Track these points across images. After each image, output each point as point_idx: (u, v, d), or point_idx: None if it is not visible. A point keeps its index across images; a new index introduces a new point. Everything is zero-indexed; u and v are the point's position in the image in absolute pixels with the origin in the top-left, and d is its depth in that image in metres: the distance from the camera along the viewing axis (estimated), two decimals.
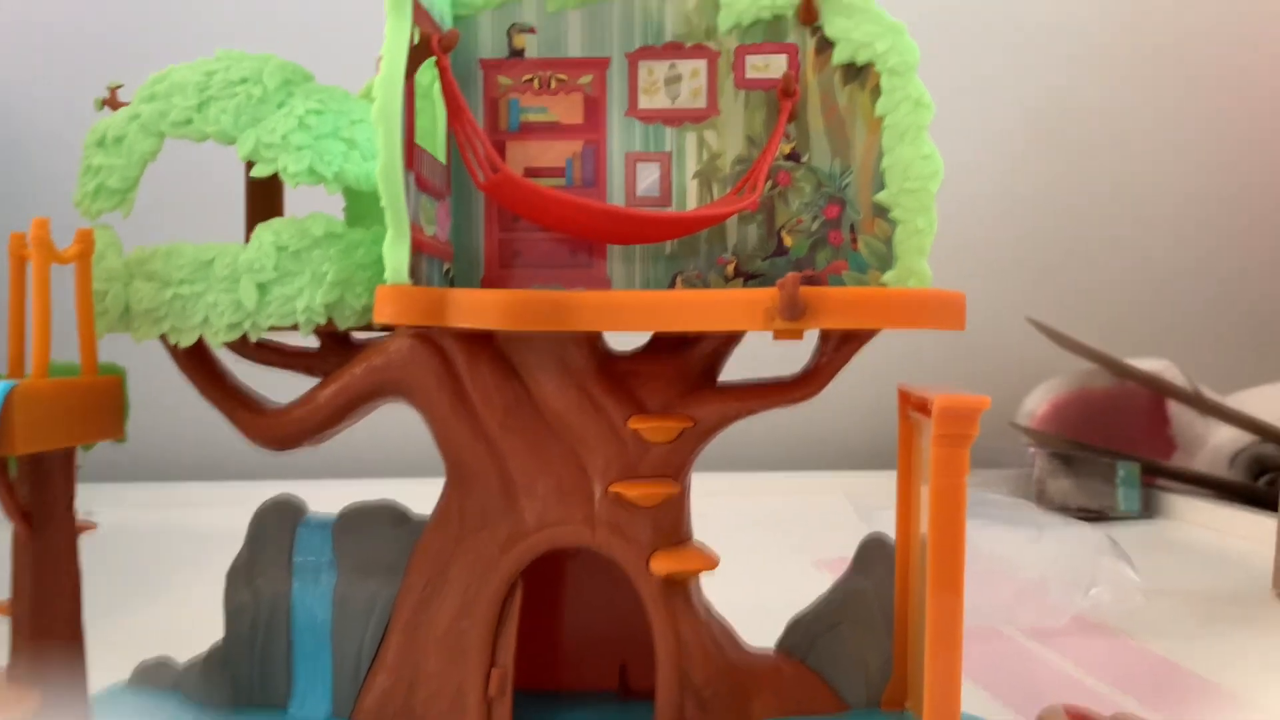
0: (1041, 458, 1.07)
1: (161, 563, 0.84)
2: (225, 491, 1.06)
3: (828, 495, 1.09)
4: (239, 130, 0.42)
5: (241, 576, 0.44)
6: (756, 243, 0.44)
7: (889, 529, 0.45)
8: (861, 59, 0.43)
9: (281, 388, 0.46)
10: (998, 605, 0.64)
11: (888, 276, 0.43)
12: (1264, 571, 0.77)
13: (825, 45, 0.44)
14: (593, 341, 0.42)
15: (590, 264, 0.45)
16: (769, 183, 0.44)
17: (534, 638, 0.46)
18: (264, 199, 0.48)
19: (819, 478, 1.14)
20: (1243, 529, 0.94)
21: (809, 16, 0.44)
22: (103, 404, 0.42)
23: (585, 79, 0.45)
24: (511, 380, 0.41)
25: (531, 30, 0.45)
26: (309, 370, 0.45)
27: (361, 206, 0.47)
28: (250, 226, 0.48)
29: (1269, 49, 1.29)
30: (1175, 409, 1.15)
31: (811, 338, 0.43)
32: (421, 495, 0.47)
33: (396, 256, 0.38)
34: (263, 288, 0.41)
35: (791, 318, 0.36)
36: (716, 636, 0.42)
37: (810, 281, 0.44)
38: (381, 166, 0.37)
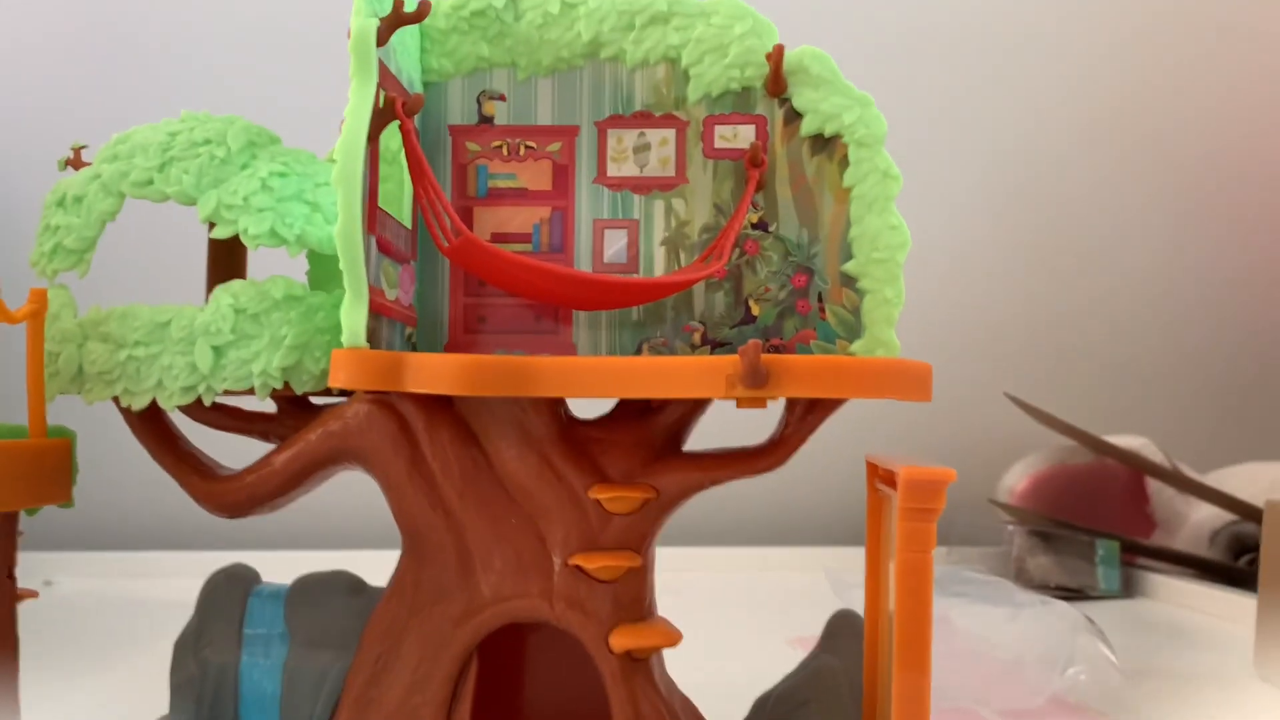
0: (1020, 535, 1.06)
1: (107, 633, 0.81)
2: (176, 560, 1.04)
3: (805, 570, 1.07)
4: (200, 191, 0.41)
5: (189, 647, 0.43)
6: (724, 310, 0.44)
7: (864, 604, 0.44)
8: (829, 130, 0.43)
9: (237, 452, 0.45)
10: (973, 685, 0.63)
11: (855, 346, 0.43)
12: (1245, 651, 0.76)
13: (793, 116, 0.44)
14: (554, 408, 0.41)
15: (556, 330, 0.44)
16: (736, 251, 0.44)
17: (489, 714, 0.44)
18: (226, 260, 0.48)
19: (797, 553, 1.12)
20: (1223, 608, 0.93)
21: (777, 88, 0.44)
22: (50, 467, 0.41)
23: (554, 146, 0.45)
24: (471, 447, 0.40)
25: (501, 98, 0.45)
26: (265, 435, 0.44)
27: (325, 270, 0.47)
28: (211, 287, 0.47)
29: (1243, 125, 1.32)
30: (1154, 487, 1.14)
31: (776, 408, 0.42)
32: (380, 566, 0.45)
33: (353, 319, 0.37)
34: (218, 350, 0.40)
35: (753, 385, 0.36)
36: (678, 715, 0.41)
37: (776, 350, 0.43)
38: (340, 228, 0.37)
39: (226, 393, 0.41)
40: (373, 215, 0.39)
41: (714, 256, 0.43)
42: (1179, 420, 1.30)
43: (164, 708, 0.42)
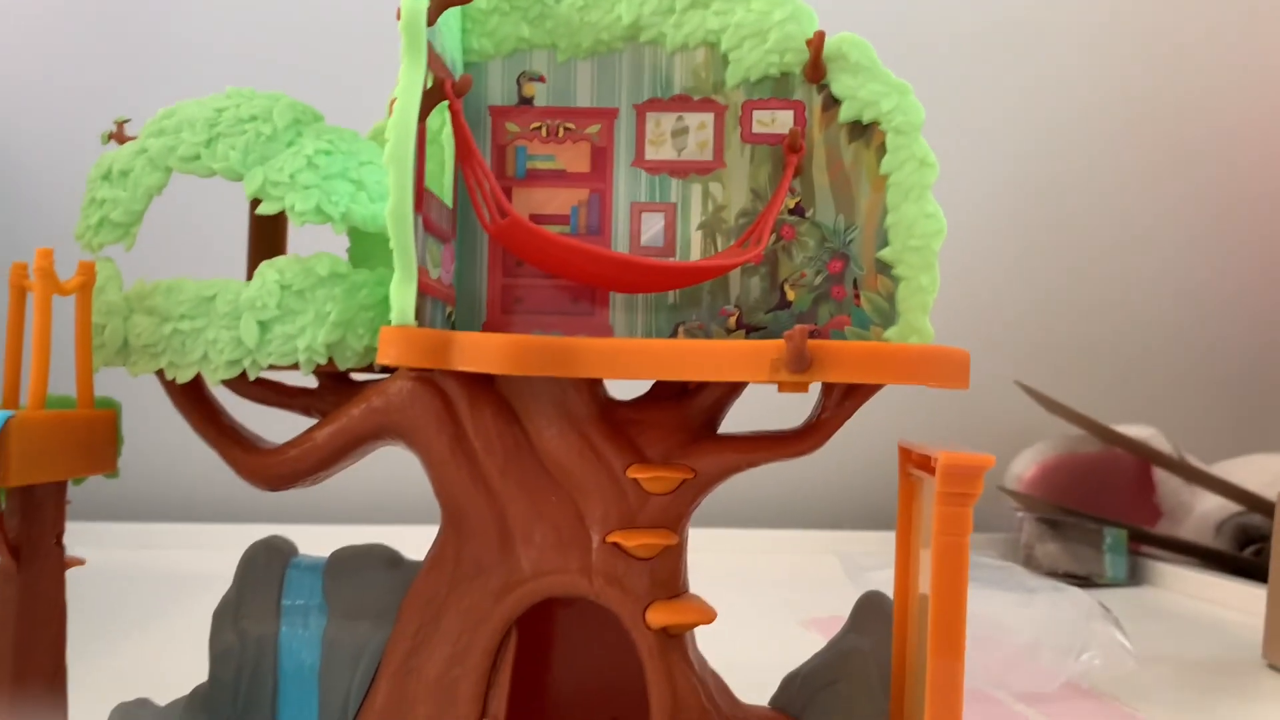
0: (1029, 522, 1.07)
1: (146, 603, 0.82)
2: (213, 533, 1.05)
3: (815, 554, 1.08)
4: (246, 167, 0.42)
5: (228, 617, 0.43)
6: (759, 295, 0.44)
7: (879, 589, 0.44)
8: (867, 117, 0.44)
9: (276, 426, 0.45)
10: (990, 669, 0.64)
11: (890, 333, 0.43)
12: (1253, 641, 0.77)
13: (832, 103, 0.44)
14: (594, 388, 0.41)
15: (592, 312, 0.45)
16: (773, 236, 0.44)
17: (525, 688, 0.45)
18: (267, 237, 0.48)
19: (807, 536, 1.13)
20: (1230, 598, 0.93)
21: (816, 74, 0.44)
22: (97, 438, 0.41)
23: (593, 128, 0.45)
24: (512, 425, 0.41)
25: (541, 79, 0.45)
26: (306, 410, 0.45)
27: (366, 247, 0.47)
28: (253, 264, 0.47)
29: (1260, 119, 1.32)
30: (1161, 476, 1.15)
31: (796, 397, 0.42)
32: (413, 541, 0.46)
33: (403, 298, 0.38)
34: (264, 325, 0.41)
35: (798, 370, 0.36)
36: (712, 691, 0.42)
37: (813, 336, 0.44)
38: (392, 208, 0.37)
39: (270, 368, 0.42)
40: (420, 195, 0.39)
41: (752, 241, 0.44)
42: (1187, 411, 1.31)
43: (203, 676, 0.43)
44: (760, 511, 1.16)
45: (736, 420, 0.44)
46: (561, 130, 0.45)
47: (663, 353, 0.38)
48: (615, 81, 0.46)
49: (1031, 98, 1.29)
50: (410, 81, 0.38)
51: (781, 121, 0.45)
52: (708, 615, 0.41)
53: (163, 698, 0.44)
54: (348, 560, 0.43)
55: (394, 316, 0.38)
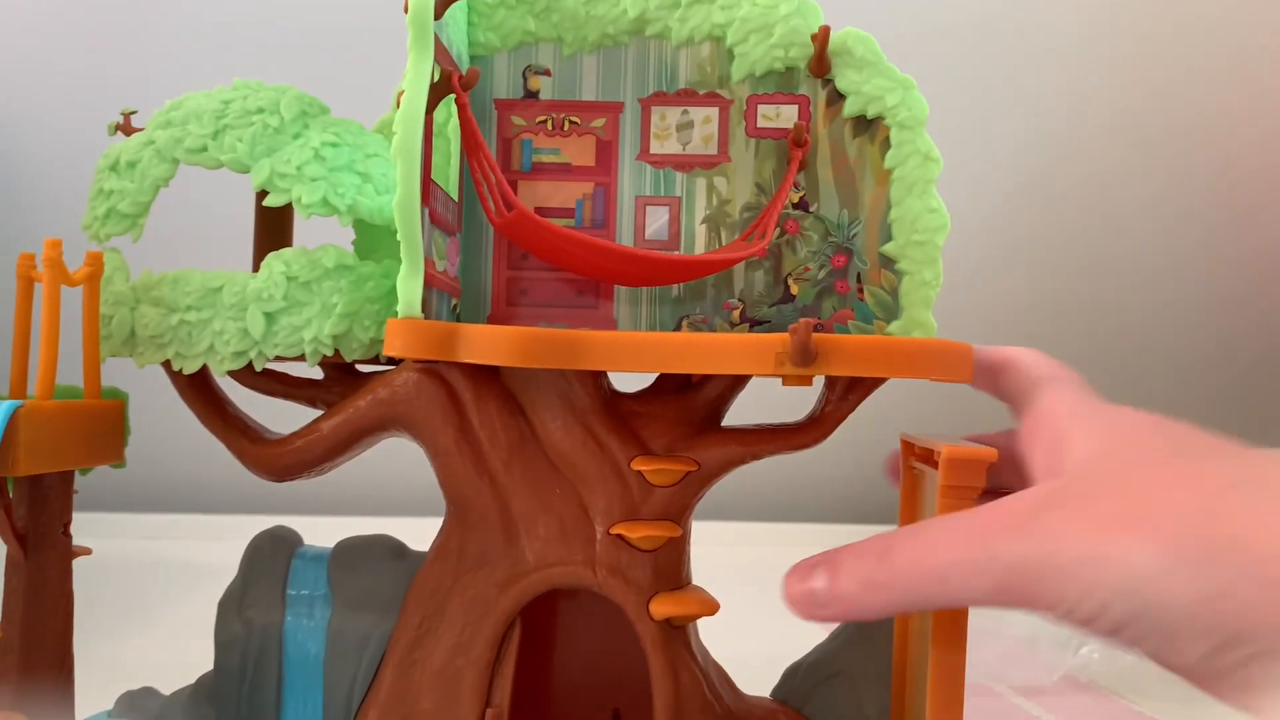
0: None
1: (151, 593, 0.83)
2: (218, 524, 1.05)
3: (818, 547, 1.08)
4: (254, 159, 0.42)
5: (233, 607, 0.43)
6: (763, 289, 0.45)
7: None
8: (871, 112, 0.44)
9: (282, 418, 0.46)
10: (988, 662, 0.64)
11: (893, 327, 0.44)
12: None
13: (836, 97, 0.45)
14: (598, 381, 0.42)
15: (597, 305, 0.45)
16: (777, 230, 0.44)
17: (529, 679, 0.45)
18: (274, 229, 0.48)
19: (809, 529, 1.13)
20: None
21: (821, 69, 0.44)
22: (104, 428, 0.41)
23: (598, 122, 0.46)
24: (517, 417, 0.41)
25: (546, 72, 0.46)
26: (312, 401, 0.45)
27: (371, 240, 0.47)
28: (259, 256, 0.48)
29: (1270, 120, 1.32)
30: None
31: (799, 391, 0.43)
32: (418, 533, 0.46)
33: (410, 290, 0.38)
34: (270, 317, 0.41)
35: (802, 363, 0.37)
36: (714, 682, 0.42)
37: (817, 330, 0.44)
38: (400, 200, 0.37)
39: (276, 359, 0.42)
40: (426, 187, 0.39)
41: (756, 235, 0.44)
42: (1188, 411, 1.31)
43: (208, 665, 0.43)
44: (764, 505, 1.17)
45: (740, 413, 0.44)
46: (567, 124, 0.46)
47: (668, 346, 0.38)
48: (620, 75, 0.46)
49: (1036, 93, 1.29)
50: (418, 74, 0.38)
51: (786, 116, 0.45)
52: (710, 607, 0.41)
53: (168, 686, 0.44)
54: (353, 551, 0.44)
55: (401, 308, 0.38)
